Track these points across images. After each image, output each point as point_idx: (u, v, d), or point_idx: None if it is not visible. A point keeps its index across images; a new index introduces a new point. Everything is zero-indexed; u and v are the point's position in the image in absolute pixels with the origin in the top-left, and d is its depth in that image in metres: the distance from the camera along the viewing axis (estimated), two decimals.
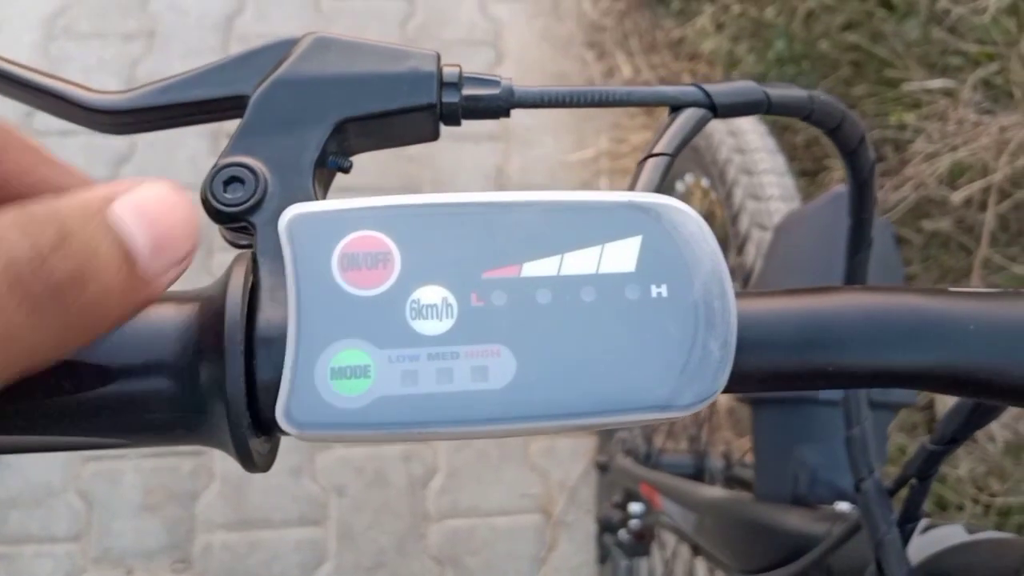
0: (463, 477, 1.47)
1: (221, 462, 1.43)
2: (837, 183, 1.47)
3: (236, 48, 1.44)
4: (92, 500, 1.41)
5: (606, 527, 1.15)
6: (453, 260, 0.22)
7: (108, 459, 1.44)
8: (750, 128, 0.98)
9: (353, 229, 0.23)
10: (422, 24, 1.94)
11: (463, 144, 1.75)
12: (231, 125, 0.28)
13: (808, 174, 1.63)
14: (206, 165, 0.28)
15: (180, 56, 1.84)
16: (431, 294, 0.22)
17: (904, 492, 0.43)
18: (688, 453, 1.05)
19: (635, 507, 1.04)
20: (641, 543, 1.06)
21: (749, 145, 0.96)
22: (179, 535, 1.40)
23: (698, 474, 1.00)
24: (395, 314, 0.22)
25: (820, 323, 0.24)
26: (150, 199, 0.20)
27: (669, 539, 1.07)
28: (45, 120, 1.41)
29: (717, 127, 1.00)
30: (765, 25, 1.74)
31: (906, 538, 0.43)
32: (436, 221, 0.23)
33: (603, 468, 1.27)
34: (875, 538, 0.43)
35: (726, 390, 0.24)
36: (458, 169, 1.74)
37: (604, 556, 1.26)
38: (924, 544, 0.44)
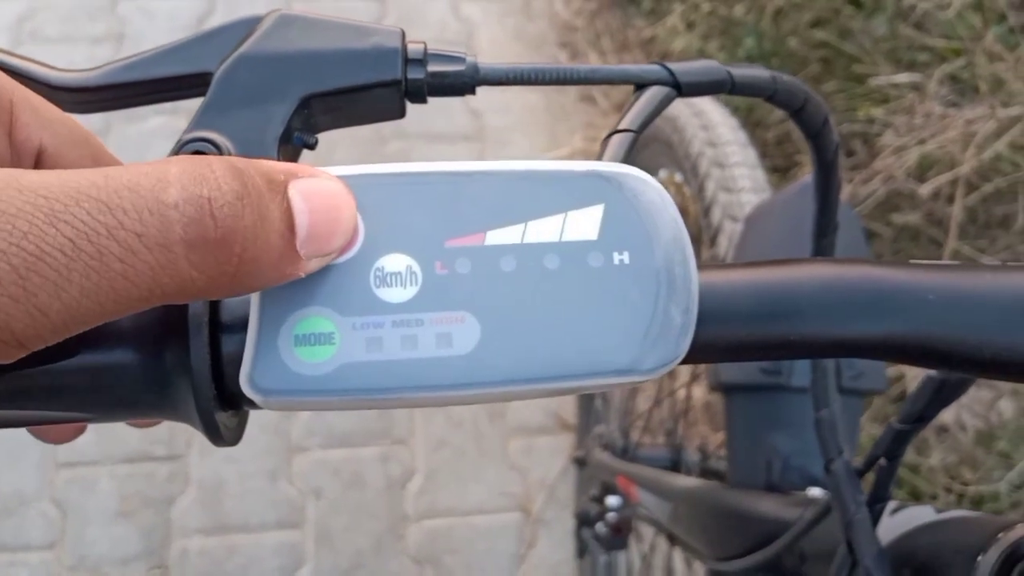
0: (441, 477, 1.46)
1: (197, 467, 1.42)
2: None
3: None
4: (66, 507, 1.40)
5: (584, 521, 1.15)
6: (417, 228, 0.23)
7: (82, 466, 1.42)
8: (721, 122, 0.99)
9: None
10: (393, 24, 1.93)
11: (438, 144, 1.75)
12: None
13: (779, 170, 1.64)
14: None
15: None
16: (395, 262, 0.22)
17: (873, 475, 0.43)
18: (665, 447, 1.06)
19: (612, 500, 1.04)
20: (619, 536, 1.06)
21: (721, 139, 0.96)
22: (155, 541, 1.39)
23: (675, 467, 1.00)
24: (359, 282, 0.22)
25: (781, 293, 0.25)
26: (320, 190, 0.21)
27: (647, 532, 1.08)
28: None
29: (689, 121, 1.00)
30: (735, 23, 1.76)
31: (876, 518, 0.43)
32: (400, 190, 0.23)
33: (581, 463, 1.27)
34: (845, 519, 0.44)
35: (690, 359, 0.24)
36: None
37: (582, 551, 1.26)
38: (893, 524, 0.45)
